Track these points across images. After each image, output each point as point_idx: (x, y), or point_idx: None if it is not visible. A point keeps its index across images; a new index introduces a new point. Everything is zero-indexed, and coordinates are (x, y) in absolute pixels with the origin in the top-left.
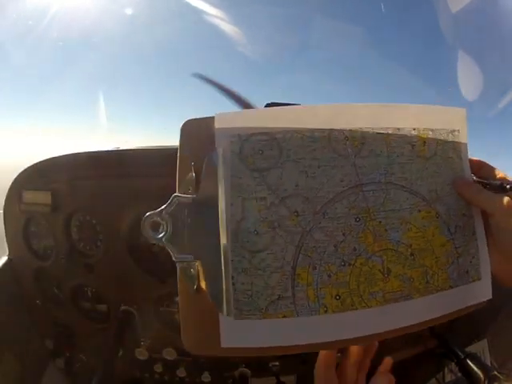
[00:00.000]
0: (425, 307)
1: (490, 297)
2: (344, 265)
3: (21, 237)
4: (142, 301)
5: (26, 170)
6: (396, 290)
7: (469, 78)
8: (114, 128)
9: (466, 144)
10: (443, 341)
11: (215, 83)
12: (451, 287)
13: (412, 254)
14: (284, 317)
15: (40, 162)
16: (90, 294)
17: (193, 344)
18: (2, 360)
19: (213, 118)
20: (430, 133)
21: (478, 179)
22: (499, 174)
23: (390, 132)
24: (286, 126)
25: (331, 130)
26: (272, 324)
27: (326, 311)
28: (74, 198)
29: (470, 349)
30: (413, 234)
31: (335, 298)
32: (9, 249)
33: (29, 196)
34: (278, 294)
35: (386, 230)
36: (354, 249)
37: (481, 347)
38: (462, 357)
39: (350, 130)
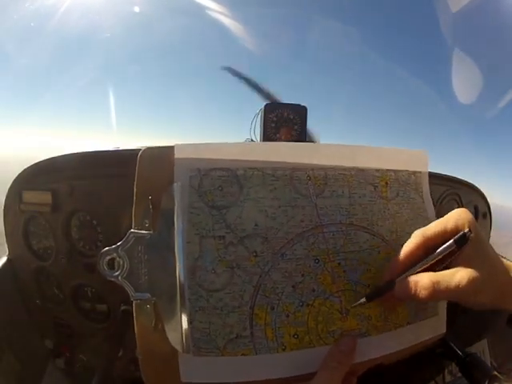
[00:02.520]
0: (381, 343)
1: (444, 331)
2: (302, 305)
3: (21, 237)
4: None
5: (25, 170)
6: (354, 328)
7: (468, 77)
8: (120, 125)
9: (427, 185)
10: (443, 341)
11: (245, 77)
12: (409, 323)
13: None
14: (243, 354)
15: (40, 162)
16: (89, 294)
17: (152, 379)
18: (2, 360)
19: (172, 147)
20: (393, 174)
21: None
22: (446, 225)
23: (352, 173)
24: (248, 161)
25: (293, 170)
26: (231, 361)
27: (284, 349)
28: (73, 197)
29: (470, 349)
30: (371, 275)
31: (293, 336)
32: (9, 249)
33: (29, 196)
34: (236, 333)
35: (344, 272)
36: (313, 289)
37: (481, 347)
38: (462, 357)
39: (313, 170)
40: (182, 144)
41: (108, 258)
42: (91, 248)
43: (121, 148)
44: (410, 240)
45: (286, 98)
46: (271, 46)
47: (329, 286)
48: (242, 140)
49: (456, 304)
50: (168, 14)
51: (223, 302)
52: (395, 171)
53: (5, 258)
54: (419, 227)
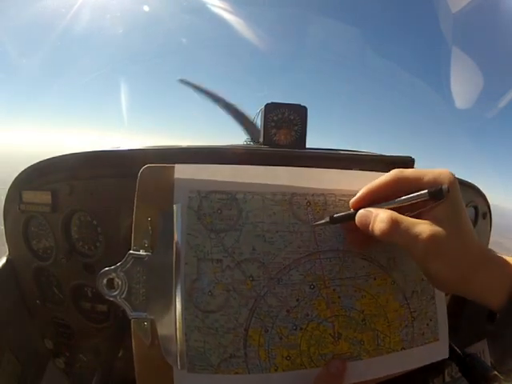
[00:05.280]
0: (373, 367)
1: (447, 356)
2: (295, 329)
3: (21, 237)
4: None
5: (25, 170)
6: (345, 351)
7: (468, 77)
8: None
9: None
10: None
11: (200, 88)
12: (404, 349)
13: (364, 320)
14: (236, 373)
15: (40, 162)
16: (90, 294)
17: None
18: (2, 360)
19: (173, 167)
20: None
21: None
22: (425, 175)
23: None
24: (249, 184)
25: (293, 195)
26: (224, 379)
27: (276, 370)
28: (73, 197)
29: (470, 349)
30: (366, 301)
31: (286, 358)
32: (9, 249)
33: (29, 196)
34: (230, 353)
35: (339, 298)
36: (307, 314)
37: (481, 347)
38: (462, 357)
39: (313, 195)
40: (182, 165)
41: (107, 278)
42: (91, 248)
43: (121, 148)
44: (385, 174)
45: (286, 98)
46: (272, 45)
47: (323, 312)
48: (242, 140)
49: (457, 305)
50: (174, 12)
51: (218, 323)
52: None
53: (5, 258)
54: None
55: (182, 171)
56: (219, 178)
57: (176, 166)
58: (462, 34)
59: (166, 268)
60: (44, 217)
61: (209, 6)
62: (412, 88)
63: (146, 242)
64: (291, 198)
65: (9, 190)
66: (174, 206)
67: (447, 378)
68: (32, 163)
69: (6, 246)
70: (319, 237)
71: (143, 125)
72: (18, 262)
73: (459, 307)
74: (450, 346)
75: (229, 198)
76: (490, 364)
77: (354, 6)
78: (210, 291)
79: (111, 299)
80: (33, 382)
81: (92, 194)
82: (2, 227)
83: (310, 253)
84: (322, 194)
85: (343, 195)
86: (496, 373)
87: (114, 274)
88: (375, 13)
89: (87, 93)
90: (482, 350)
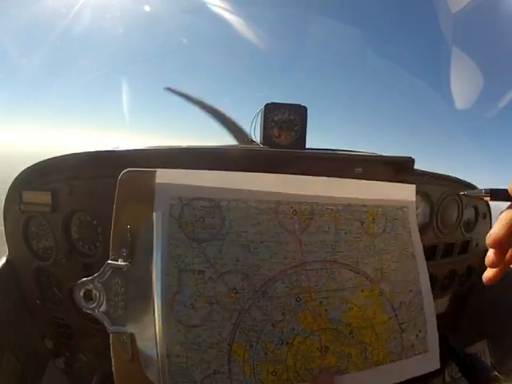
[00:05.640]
0: (361, 380)
1: (438, 367)
2: (281, 343)
3: (21, 237)
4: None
5: (25, 170)
6: (333, 365)
7: (468, 78)
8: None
9: (415, 220)
10: (443, 341)
11: (187, 96)
12: (393, 361)
13: (351, 332)
14: None
15: (40, 162)
16: None
17: None
18: (2, 360)
19: (154, 171)
20: (380, 209)
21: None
22: None
23: (339, 208)
24: (233, 191)
25: (279, 203)
26: None
27: None
28: (73, 197)
29: (470, 349)
30: (353, 313)
31: (271, 373)
32: (9, 249)
33: (29, 196)
34: (213, 369)
35: (326, 310)
36: (293, 328)
37: (481, 347)
38: (462, 357)
39: (299, 204)
40: (164, 169)
41: (84, 289)
42: (91, 248)
43: (121, 148)
44: None
45: (286, 98)
46: (272, 45)
47: (309, 325)
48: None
49: (457, 305)
50: (175, 12)
51: (201, 338)
52: (383, 206)
53: (5, 258)
54: (404, 264)
55: (164, 176)
56: (202, 184)
57: (158, 170)
58: (462, 34)
59: (146, 279)
60: (44, 217)
61: (209, 5)
62: (412, 88)
63: (125, 250)
64: (277, 207)
65: (9, 190)
66: (154, 213)
67: (447, 378)
68: (32, 163)
69: (6, 246)
70: (305, 247)
71: (144, 125)
72: (17, 261)
73: (459, 307)
74: (450, 346)
75: (212, 206)
76: (490, 364)
77: (354, 6)
78: (191, 304)
79: (89, 312)
80: (33, 382)
81: (92, 194)
82: (2, 227)
83: (295, 264)
84: (309, 203)
85: (331, 204)
86: (496, 373)
87: (91, 285)
88: (375, 13)
89: (87, 93)
90: (482, 350)
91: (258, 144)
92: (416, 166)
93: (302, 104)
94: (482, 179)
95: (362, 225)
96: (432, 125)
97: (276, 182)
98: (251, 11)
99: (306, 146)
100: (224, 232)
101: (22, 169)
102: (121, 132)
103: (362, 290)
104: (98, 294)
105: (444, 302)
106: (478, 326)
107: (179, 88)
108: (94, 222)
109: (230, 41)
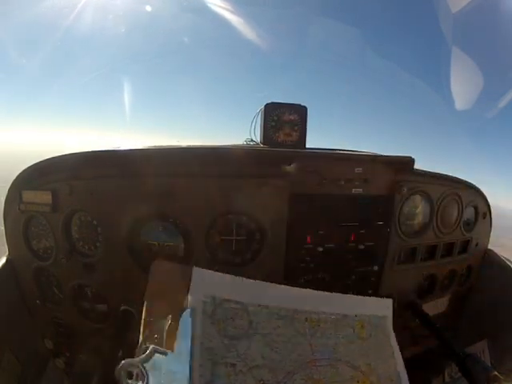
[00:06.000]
0: None
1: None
2: None
3: (21, 237)
4: (141, 301)
5: (25, 170)
6: None
7: (468, 78)
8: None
9: (391, 328)
10: (444, 341)
11: None
12: None
13: None
14: None
15: (40, 162)
16: (89, 293)
17: None
18: (2, 360)
19: (190, 268)
20: (367, 318)
21: None
22: None
23: (339, 317)
24: (258, 298)
25: (295, 311)
26: None
27: None
28: (73, 197)
29: (470, 349)
30: None
31: None
32: (9, 249)
33: (29, 196)
34: None
35: None
36: None
37: (481, 347)
38: (462, 357)
39: (310, 312)
40: (199, 269)
41: (128, 369)
42: (91, 248)
43: (121, 148)
44: None
45: (286, 98)
46: (272, 45)
47: None
48: (242, 139)
49: (457, 305)
50: (176, 12)
51: None
52: (369, 316)
53: (5, 258)
54: (387, 362)
55: (200, 275)
56: (234, 288)
57: (194, 268)
58: (462, 34)
59: (184, 367)
60: (44, 217)
61: (210, 5)
62: (412, 88)
63: (159, 337)
64: (293, 315)
65: (9, 190)
66: (189, 308)
67: (447, 378)
68: (32, 163)
69: (6, 246)
70: (314, 348)
71: (144, 124)
72: (17, 261)
73: (459, 307)
74: (450, 346)
75: (241, 308)
76: (490, 364)
77: (354, 6)
78: None
79: None
80: (33, 382)
81: (92, 194)
82: (2, 228)
83: (308, 360)
84: (317, 313)
85: (332, 314)
86: (496, 373)
87: (135, 368)
88: (375, 13)
89: (87, 93)
90: (481, 350)
91: (258, 144)
92: (416, 166)
93: (302, 104)
94: (482, 179)
95: (353, 331)
96: (432, 125)
97: (293, 294)
98: (252, 11)
99: (306, 146)
100: (251, 332)
101: (23, 168)
102: (120, 132)
103: (358, 381)
104: (140, 375)
105: (444, 301)
106: (478, 326)
107: (180, 88)
108: (94, 222)
109: (231, 41)
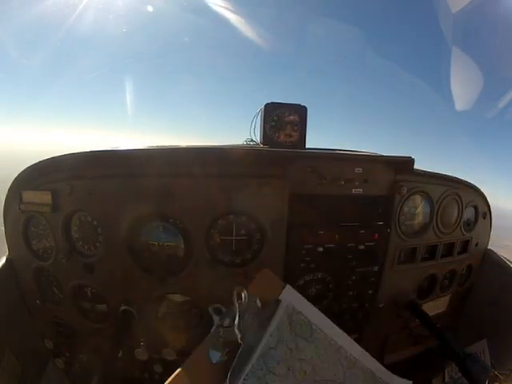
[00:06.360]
0: None
1: None
2: None
3: (21, 237)
4: (141, 301)
5: (25, 170)
6: None
7: (468, 78)
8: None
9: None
10: (444, 341)
11: None
12: None
13: None
14: None
15: (40, 162)
16: (89, 294)
17: None
18: (2, 360)
19: (286, 284)
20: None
21: None
22: None
23: (367, 372)
24: (319, 319)
25: (339, 347)
26: None
27: None
28: (73, 197)
29: (470, 349)
30: None
31: None
32: (9, 249)
33: (29, 196)
34: None
35: None
36: None
37: (481, 347)
38: (462, 357)
39: (346, 350)
40: (290, 287)
41: (218, 307)
42: (91, 248)
43: (121, 148)
44: None
45: (286, 98)
46: (272, 45)
47: None
48: (242, 139)
49: (457, 305)
50: (177, 12)
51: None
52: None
53: (5, 258)
54: None
55: (289, 291)
56: (302, 306)
57: (287, 285)
58: (462, 34)
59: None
60: (44, 217)
61: (211, 5)
62: (412, 88)
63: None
64: (339, 348)
65: (9, 190)
66: (280, 304)
67: (447, 378)
68: (32, 163)
69: (6, 246)
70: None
71: (148, 124)
72: (18, 261)
73: (459, 307)
74: (450, 346)
75: (307, 323)
76: (489, 364)
77: (354, 6)
78: (278, 361)
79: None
80: (33, 382)
81: (92, 194)
82: (2, 228)
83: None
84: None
85: (367, 369)
86: (496, 373)
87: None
88: (375, 13)
89: (88, 93)
90: (482, 350)
91: (258, 144)
92: (416, 166)
93: (302, 104)
94: (482, 179)
95: None
96: (432, 124)
97: (338, 331)
98: (252, 11)
99: (306, 146)
100: (312, 339)
101: (22, 168)
102: (125, 132)
103: None
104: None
105: (444, 301)
106: (478, 326)
107: (181, 88)
108: (95, 222)
109: (231, 41)
